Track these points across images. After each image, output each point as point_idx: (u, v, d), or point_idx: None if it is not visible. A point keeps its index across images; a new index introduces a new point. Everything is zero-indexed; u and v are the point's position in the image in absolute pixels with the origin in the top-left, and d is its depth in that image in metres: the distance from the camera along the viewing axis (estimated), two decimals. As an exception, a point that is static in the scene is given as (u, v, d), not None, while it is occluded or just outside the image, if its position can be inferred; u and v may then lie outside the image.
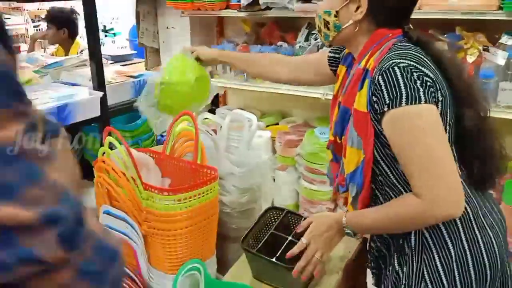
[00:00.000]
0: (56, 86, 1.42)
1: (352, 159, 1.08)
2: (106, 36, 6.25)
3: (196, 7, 2.83)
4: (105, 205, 1.27)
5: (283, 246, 1.31)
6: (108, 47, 5.67)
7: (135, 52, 4.05)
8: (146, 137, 1.72)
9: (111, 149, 1.23)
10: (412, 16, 1.13)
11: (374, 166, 1.06)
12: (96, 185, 1.27)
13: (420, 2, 2.09)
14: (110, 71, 1.55)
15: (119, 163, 1.21)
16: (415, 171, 0.96)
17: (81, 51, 3.23)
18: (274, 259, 1.25)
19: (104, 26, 6.35)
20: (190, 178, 1.36)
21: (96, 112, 1.34)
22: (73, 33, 3.42)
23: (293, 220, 1.44)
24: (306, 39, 2.61)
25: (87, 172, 1.72)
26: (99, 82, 1.35)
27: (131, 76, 1.58)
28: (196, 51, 1.49)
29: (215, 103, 3.38)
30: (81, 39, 3.41)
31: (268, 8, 2.61)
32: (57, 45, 3.45)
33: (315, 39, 2.56)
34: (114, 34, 6.31)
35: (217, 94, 3.44)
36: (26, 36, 5.38)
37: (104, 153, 1.24)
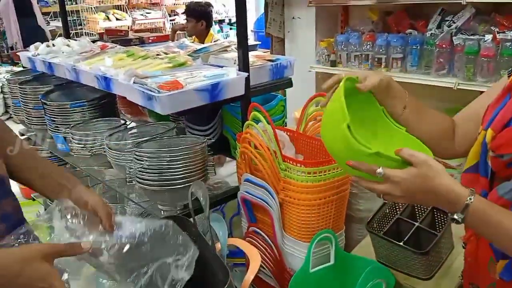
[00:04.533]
0: (207, 67, 1.61)
1: None
2: (231, 29, 6.63)
3: (323, -3, 2.89)
4: (246, 173, 1.42)
5: (410, 233, 1.32)
6: (233, 39, 6.00)
7: (260, 42, 4.25)
8: (279, 118, 1.84)
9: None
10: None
11: None
12: (240, 155, 1.41)
13: None
14: (251, 55, 1.69)
15: (261, 136, 1.33)
16: None
17: (215, 41, 3.50)
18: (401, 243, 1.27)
19: (229, 20, 6.74)
20: (322, 156, 1.45)
21: (241, 91, 1.49)
22: (208, 25, 3.72)
23: (419, 207, 1.44)
24: (439, 26, 2.51)
25: (225, 147, 1.92)
26: (244, 64, 1.49)
27: (269, 60, 1.71)
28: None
29: (336, 92, 3.41)
30: (212, 30, 3.70)
31: (398, -5, 2.56)
32: (193, 36, 3.80)
33: (449, 26, 2.45)
34: (238, 27, 6.66)
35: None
36: (163, 29, 5.98)
37: (248, 126, 1.38)
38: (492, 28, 2.24)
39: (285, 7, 3.35)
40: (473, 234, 0.90)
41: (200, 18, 3.66)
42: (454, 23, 2.41)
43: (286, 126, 1.94)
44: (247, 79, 1.50)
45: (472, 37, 2.29)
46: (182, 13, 3.87)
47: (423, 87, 2.60)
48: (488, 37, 2.19)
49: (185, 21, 3.75)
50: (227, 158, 2.02)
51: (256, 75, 1.59)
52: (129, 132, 1.83)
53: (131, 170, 1.50)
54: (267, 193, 1.34)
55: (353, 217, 1.64)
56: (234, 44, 2.07)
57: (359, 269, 1.27)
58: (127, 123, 1.94)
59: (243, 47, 1.48)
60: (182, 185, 1.44)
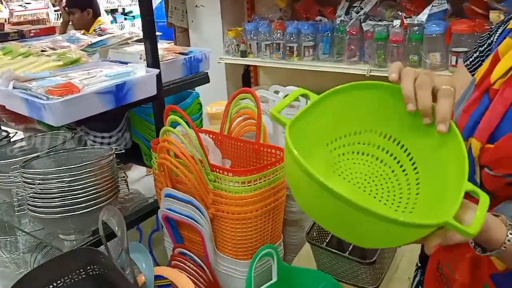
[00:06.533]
0: (108, 64, 1.35)
1: None
2: (125, 19, 6.17)
3: (227, -17, 2.72)
4: (167, 188, 1.21)
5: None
6: (128, 30, 5.58)
7: (161, 33, 3.95)
8: (196, 117, 1.64)
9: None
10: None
11: None
12: (158, 166, 1.20)
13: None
14: (159, 49, 1.47)
15: (184, 143, 1.13)
16: None
17: (100, 25, 3.19)
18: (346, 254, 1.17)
19: (123, 9, 6.26)
20: (253, 159, 1.29)
21: (153, 91, 1.26)
22: (96, 13, 3.33)
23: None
24: (347, 13, 2.48)
25: (134, 154, 1.68)
26: (153, 59, 1.27)
27: (181, 53, 1.50)
28: None
29: (247, 83, 3.28)
30: (102, 17, 3.35)
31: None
32: (83, 30, 3.37)
33: (357, 12, 2.43)
34: (134, 17, 6.22)
35: (249, 73, 3.34)
36: (47, 21, 5.33)
37: (165, 133, 1.17)
38: (399, 13, 2.26)
39: (187, -6, 3.12)
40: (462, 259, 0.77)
41: (84, 7, 3.23)
42: (362, 9, 2.41)
43: (203, 124, 1.76)
44: (159, 77, 1.28)
45: (380, 23, 2.30)
46: (64, 6, 3.37)
47: (336, 75, 2.57)
48: (396, 22, 2.21)
49: (69, 14, 3.27)
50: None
51: (168, 71, 1.37)
52: (15, 146, 1.51)
53: (20, 196, 1.20)
54: (194, 209, 1.15)
55: (286, 220, 1.52)
56: (136, 35, 1.82)
57: (305, 283, 1.14)
58: (11, 134, 1.60)
59: (151, 38, 1.26)
60: (88, 209, 1.19)
